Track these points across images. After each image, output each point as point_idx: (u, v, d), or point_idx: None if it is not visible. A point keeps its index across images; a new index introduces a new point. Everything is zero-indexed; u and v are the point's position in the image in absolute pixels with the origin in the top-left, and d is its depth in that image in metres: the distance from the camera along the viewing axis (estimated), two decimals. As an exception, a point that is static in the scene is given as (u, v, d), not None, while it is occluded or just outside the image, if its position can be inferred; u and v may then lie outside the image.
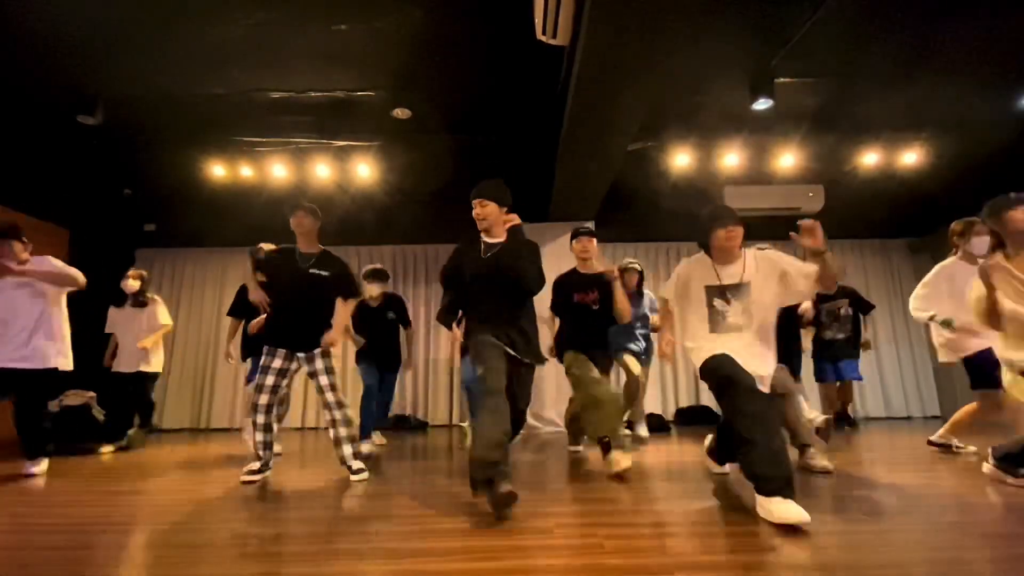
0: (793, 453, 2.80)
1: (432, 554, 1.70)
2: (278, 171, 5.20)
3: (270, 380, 2.99)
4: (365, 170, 5.22)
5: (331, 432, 3.10)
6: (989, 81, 4.08)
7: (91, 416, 5.12)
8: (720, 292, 2.46)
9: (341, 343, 4.45)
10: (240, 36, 3.52)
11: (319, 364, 3.08)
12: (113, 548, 1.83)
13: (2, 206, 5.42)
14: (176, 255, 7.11)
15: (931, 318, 3.30)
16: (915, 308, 3.41)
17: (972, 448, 3.38)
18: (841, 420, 5.05)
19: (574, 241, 3.55)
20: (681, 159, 5.11)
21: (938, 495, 2.35)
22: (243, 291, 4.33)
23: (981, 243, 3.15)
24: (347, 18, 3.40)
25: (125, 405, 4.56)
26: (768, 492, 1.97)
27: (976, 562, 1.57)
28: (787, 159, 5.16)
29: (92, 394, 5.16)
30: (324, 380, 3.07)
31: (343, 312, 3.21)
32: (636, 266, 4.65)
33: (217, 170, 5.21)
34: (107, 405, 4.69)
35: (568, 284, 3.54)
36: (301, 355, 3.08)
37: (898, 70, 3.94)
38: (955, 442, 3.43)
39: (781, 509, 1.91)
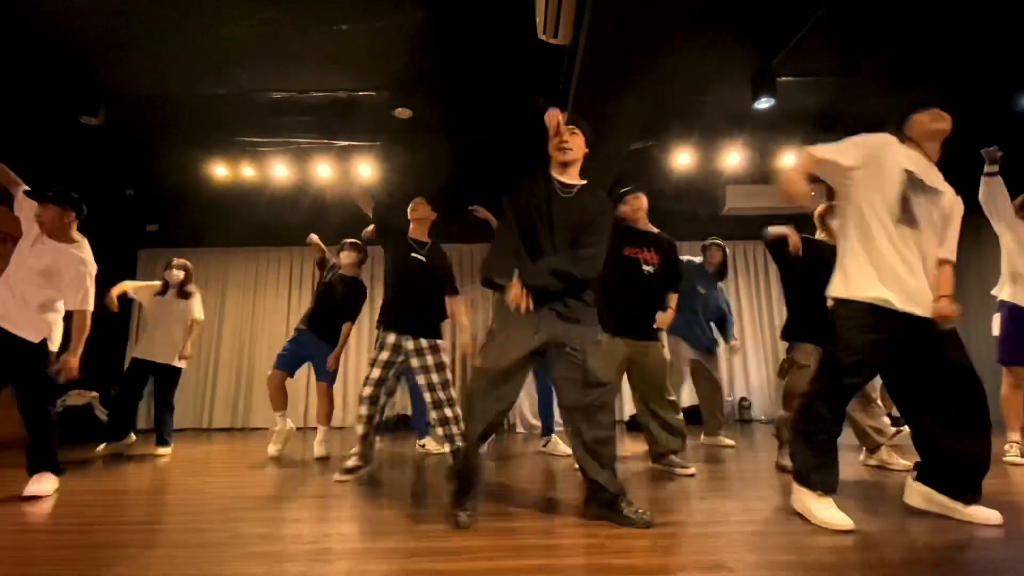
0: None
1: (434, 554, 1.70)
2: (280, 171, 5.21)
3: (376, 373, 2.97)
4: (367, 170, 5.23)
5: (439, 431, 3.08)
6: (990, 80, 4.07)
7: (94, 417, 5.13)
8: (918, 185, 2.00)
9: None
10: (242, 37, 3.53)
11: (428, 359, 3.03)
12: (116, 547, 1.84)
13: (4, 206, 5.43)
14: (178, 255, 7.08)
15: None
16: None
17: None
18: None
19: (620, 204, 3.11)
20: (683, 158, 5.11)
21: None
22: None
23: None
24: (349, 18, 3.40)
25: (135, 396, 4.37)
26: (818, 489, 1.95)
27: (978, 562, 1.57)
28: (789, 158, 5.15)
29: (95, 394, 5.17)
30: (429, 378, 3.02)
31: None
32: (719, 242, 4.10)
33: (219, 170, 5.22)
34: (118, 394, 4.42)
35: (618, 232, 2.84)
36: (410, 345, 3.01)
37: (899, 69, 3.93)
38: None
39: (825, 513, 1.90)
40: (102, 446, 4.19)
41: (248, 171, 5.22)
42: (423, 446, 4.06)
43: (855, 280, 1.98)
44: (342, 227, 6.44)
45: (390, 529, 1.99)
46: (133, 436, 4.42)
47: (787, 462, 3.00)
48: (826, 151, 2.08)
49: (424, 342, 3.03)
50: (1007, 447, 3.22)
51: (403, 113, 4.42)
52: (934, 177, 2.07)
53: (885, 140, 2.10)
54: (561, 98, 4.00)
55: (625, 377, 3.12)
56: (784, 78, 3.95)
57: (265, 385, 4.25)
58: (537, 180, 2.22)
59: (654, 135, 4.79)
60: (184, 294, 4.51)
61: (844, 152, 2.08)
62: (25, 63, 3.74)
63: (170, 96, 4.16)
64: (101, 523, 2.18)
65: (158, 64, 3.79)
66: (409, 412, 6.54)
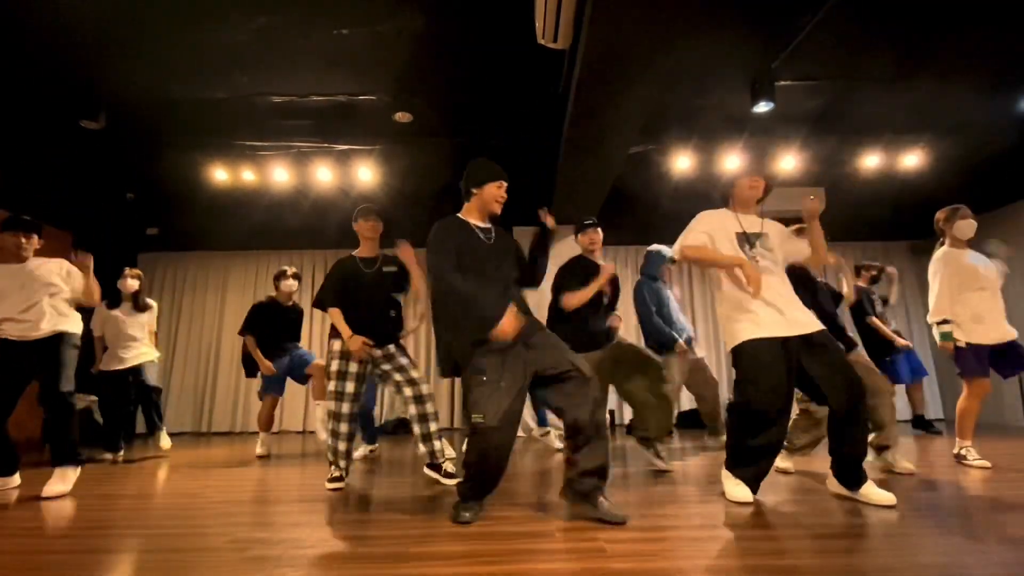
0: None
1: (433, 558, 1.70)
2: (280, 175, 5.21)
3: (350, 387, 2.94)
4: (366, 173, 5.23)
5: (415, 428, 2.93)
6: (989, 84, 4.08)
7: (93, 420, 5.12)
8: (747, 239, 2.47)
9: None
10: (243, 40, 3.54)
11: (400, 360, 3.01)
12: (114, 552, 1.84)
13: (5, 209, 5.43)
14: (178, 258, 7.13)
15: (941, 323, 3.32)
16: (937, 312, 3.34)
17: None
18: (922, 423, 5.08)
19: (580, 234, 3.49)
20: (682, 162, 5.12)
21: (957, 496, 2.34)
22: (255, 309, 4.50)
23: (967, 226, 3.31)
24: (349, 22, 3.41)
25: (122, 406, 4.29)
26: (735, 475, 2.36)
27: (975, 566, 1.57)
28: (788, 162, 5.16)
29: (93, 398, 5.17)
30: (407, 375, 2.97)
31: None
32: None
33: (219, 174, 5.23)
34: (103, 411, 4.39)
35: (587, 267, 3.30)
36: (378, 352, 2.99)
37: (899, 72, 3.94)
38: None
39: (733, 488, 2.33)
40: (107, 455, 4.16)
41: (248, 175, 5.23)
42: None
43: (737, 332, 2.35)
44: (341, 231, 6.47)
45: (390, 533, 1.98)
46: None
47: (787, 464, 3.01)
48: (693, 242, 2.47)
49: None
50: (964, 451, 3.20)
51: (403, 117, 4.43)
52: (755, 223, 2.53)
53: (716, 214, 2.55)
54: (561, 102, 4.01)
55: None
56: (783, 81, 3.95)
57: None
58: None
59: (653, 138, 4.80)
60: (141, 307, 4.45)
61: (698, 237, 2.48)
62: (26, 67, 3.74)
63: (170, 100, 4.16)
64: (99, 527, 2.18)
65: (159, 68, 3.80)
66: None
